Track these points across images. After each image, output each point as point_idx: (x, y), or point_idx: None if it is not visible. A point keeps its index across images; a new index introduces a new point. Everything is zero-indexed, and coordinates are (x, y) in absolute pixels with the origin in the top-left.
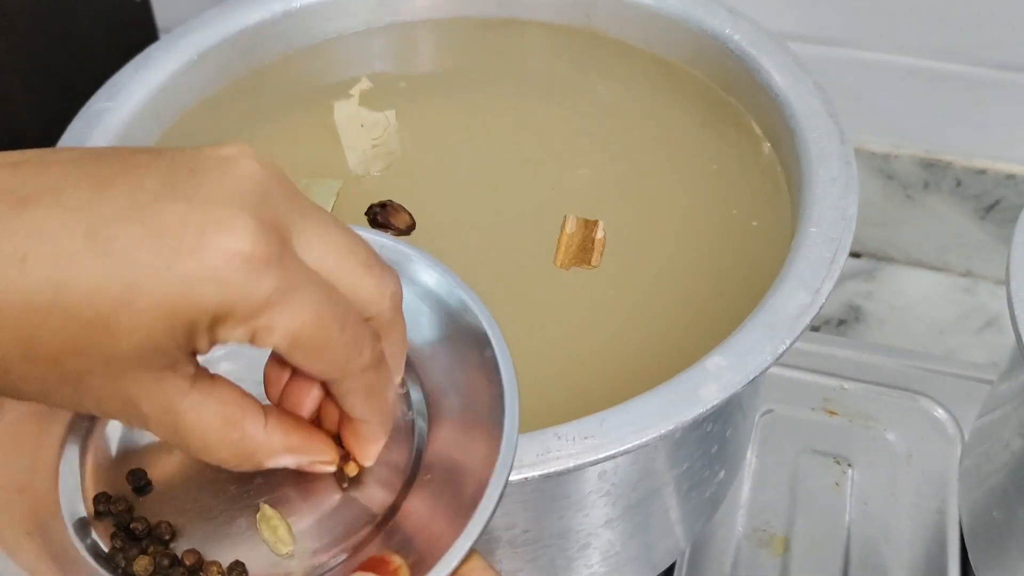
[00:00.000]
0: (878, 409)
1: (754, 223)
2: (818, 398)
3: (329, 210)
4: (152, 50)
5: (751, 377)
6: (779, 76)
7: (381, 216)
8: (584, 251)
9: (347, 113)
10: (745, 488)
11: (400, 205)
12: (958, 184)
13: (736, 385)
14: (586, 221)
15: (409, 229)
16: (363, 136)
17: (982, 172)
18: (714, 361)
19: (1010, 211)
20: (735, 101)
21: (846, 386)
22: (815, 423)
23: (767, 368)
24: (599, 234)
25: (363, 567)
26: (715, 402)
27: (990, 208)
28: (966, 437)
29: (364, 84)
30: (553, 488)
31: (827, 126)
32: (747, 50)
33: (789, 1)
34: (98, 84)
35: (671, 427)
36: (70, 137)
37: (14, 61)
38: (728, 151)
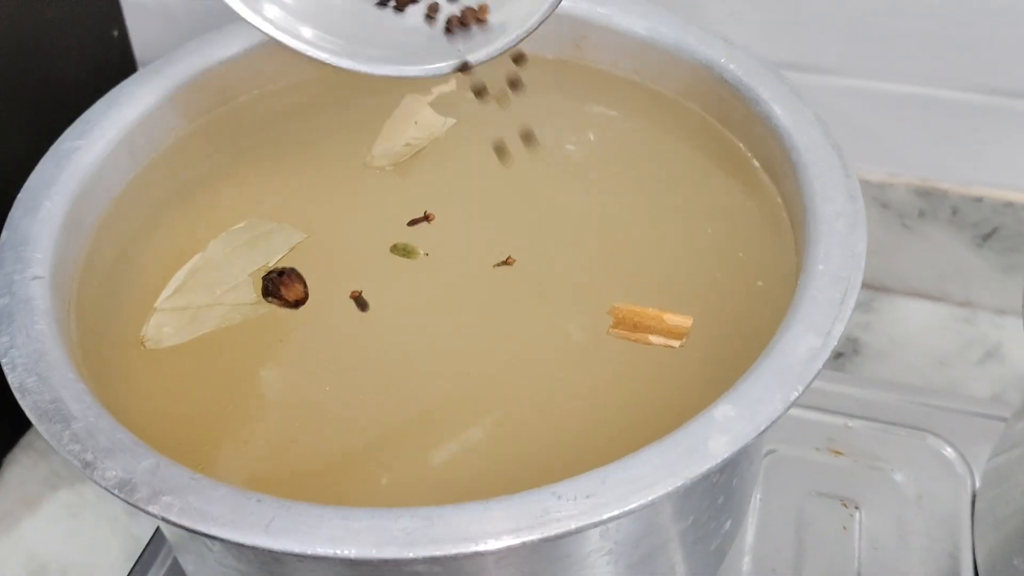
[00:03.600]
0: (885, 448)
1: (758, 279)
2: (822, 437)
3: (276, 260)
4: (125, 85)
5: (762, 427)
6: (778, 107)
7: (273, 286)
8: (629, 326)
9: (411, 107)
10: (749, 533)
11: (298, 276)
12: (955, 212)
13: (747, 436)
14: (680, 328)
15: (298, 303)
16: (405, 132)
17: (979, 200)
18: (722, 411)
19: (1009, 239)
20: (731, 133)
21: (850, 424)
22: (820, 464)
23: (779, 417)
24: (656, 340)
25: None
26: (725, 455)
27: (988, 236)
28: (976, 476)
29: (449, 86)
30: (551, 549)
31: (830, 159)
32: (743, 81)
33: (780, 30)
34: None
35: (679, 484)
36: (37, 179)
37: None
38: (725, 186)
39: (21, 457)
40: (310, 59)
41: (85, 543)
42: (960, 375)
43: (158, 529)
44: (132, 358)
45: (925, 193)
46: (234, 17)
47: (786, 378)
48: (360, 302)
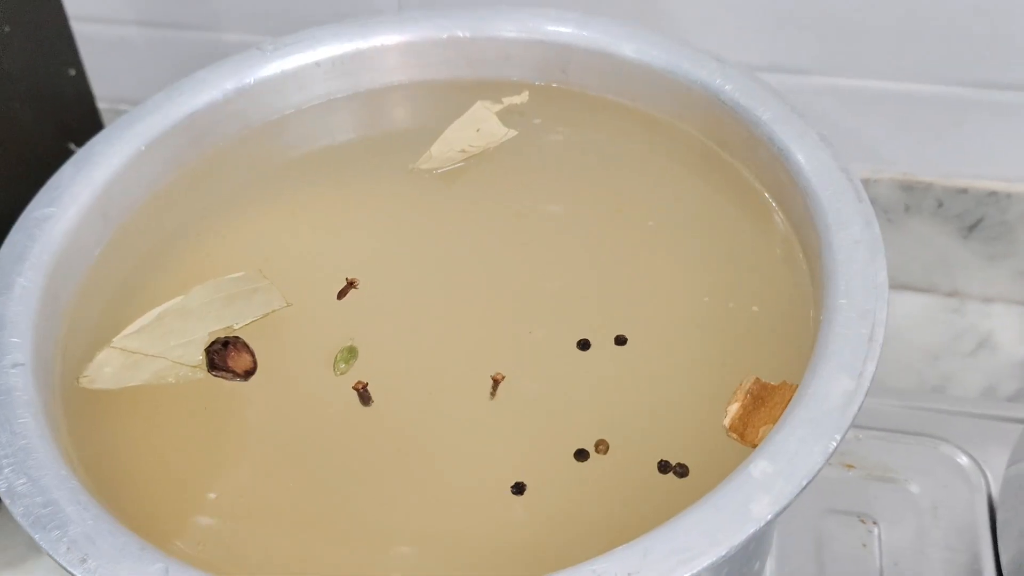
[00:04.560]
0: (896, 459)
1: (757, 306)
2: None
3: (242, 324)
4: (94, 144)
5: (803, 484)
6: (780, 129)
7: (219, 358)
8: (757, 408)
9: (479, 114)
10: (769, 561)
11: (244, 344)
12: (940, 205)
13: (788, 495)
14: (757, 440)
15: (247, 374)
16: (465, 139)
17: (963, 191)
18: (760, 467)
19: (993, 228)
20: (732, 157)
21: (860, 435)
22: (833, 479)
23: (819, 470)
24: (746, 434)
25: None
26: (768, 517)
27: (973, 227)
28: (991, 481)
29: (520, 97)
30: None
31: (840, 183)
32: (741, 102)
33: (755, 32)
34: (36, 169)
35: (723, 552)
36: (8, 253)
37: None
38: (728, 213)
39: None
40: None
41: None
42: (955, 368)
43: None
44: (127, 439)
45: (909, 187)
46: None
47: (822, 427)
48: (364, 396)
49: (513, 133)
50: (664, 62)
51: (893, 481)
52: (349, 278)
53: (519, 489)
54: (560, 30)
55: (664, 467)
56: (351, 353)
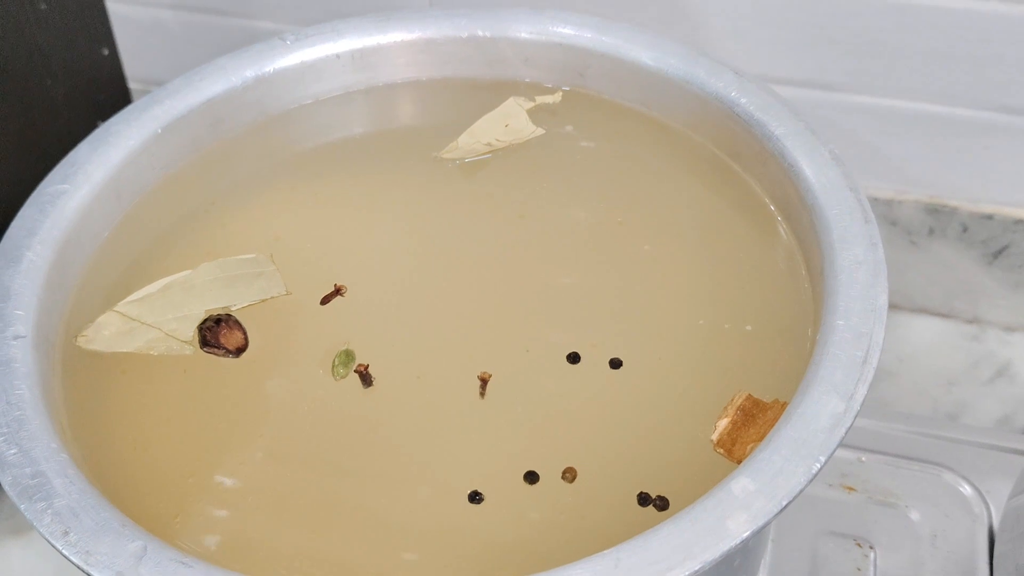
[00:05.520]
0: (899, 484)
1: (752, 324)
2: (834, 473)
3: (239, 307)
4: (111, 124)
5: (783, 504)
6: (792, 145)
7: (210, 335)
8: (747, 424)
9: (511, 109)
10: None
11: (236, 322)
12: (964, 230)
13: (767, 514)
14: (742, 455)
15: (239, 351)
16: (492, 132)
17: (989, 217)
18: (741, 484)
19: (1019, 256)
20: (743, 170)
21: (863, 459)
22: (832, 501)
23: (801, 491)
24: (735, 449)
25: None
26: (745, 535)
27: (998, 254)
28: (993, 513)
29: (553, 97)
30: None
31: (848, 202)
32: (755, 115)
33: (787, 46)
34: (66, 145)
35: (697, 567)
36: (19, 227)
37: None
38: (736, 226)
39: None
40: None
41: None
42: (970, 395)
43: None
44: (122, 415)
45: (934, 210)
46: (228, 43)
47: (808, 448)
48: (365, 376)
49: (541, 132)
50: (681, 71)
51: (894, 506)
52: (337, 284)
53: (474, 498)
54: (580, 34)
55: (644, 500)
56: (348, 356)
